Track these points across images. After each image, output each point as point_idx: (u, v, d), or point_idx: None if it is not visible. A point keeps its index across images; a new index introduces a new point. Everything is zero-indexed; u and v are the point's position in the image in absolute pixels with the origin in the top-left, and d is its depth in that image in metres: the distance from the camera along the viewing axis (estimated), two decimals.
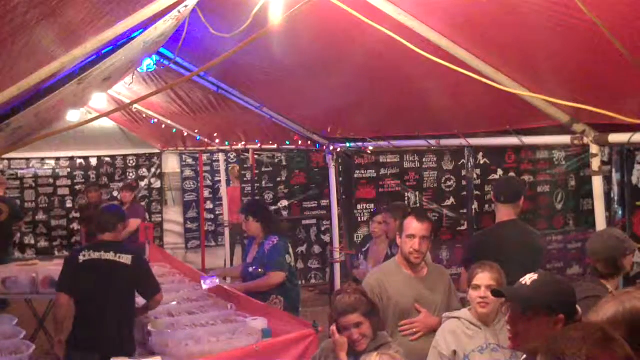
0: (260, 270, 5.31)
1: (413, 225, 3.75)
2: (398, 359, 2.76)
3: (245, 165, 10.39)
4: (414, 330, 3.73)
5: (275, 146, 7.63)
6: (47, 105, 3.59)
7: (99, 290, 4.40)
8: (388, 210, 5.46)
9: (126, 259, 4.44)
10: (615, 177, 6.32)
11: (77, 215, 11.06)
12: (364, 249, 5.81)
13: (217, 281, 5.25)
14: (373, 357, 2.73)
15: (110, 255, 4.44)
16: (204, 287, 5.20)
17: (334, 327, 3.23)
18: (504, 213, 4.42)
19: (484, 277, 3.32)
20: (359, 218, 7.55)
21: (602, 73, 2.77)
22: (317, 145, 6.54)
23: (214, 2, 3.79)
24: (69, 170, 11.68)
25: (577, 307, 2.42)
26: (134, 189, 9.80)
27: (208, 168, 12.17)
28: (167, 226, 12.18)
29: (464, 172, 7.56)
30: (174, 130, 9.39)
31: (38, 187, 11.49)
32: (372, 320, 3.25)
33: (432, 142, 4.76)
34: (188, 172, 12.34)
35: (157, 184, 12.22)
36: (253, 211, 5.51)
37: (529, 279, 2.45)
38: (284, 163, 10.11)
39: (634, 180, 6.15)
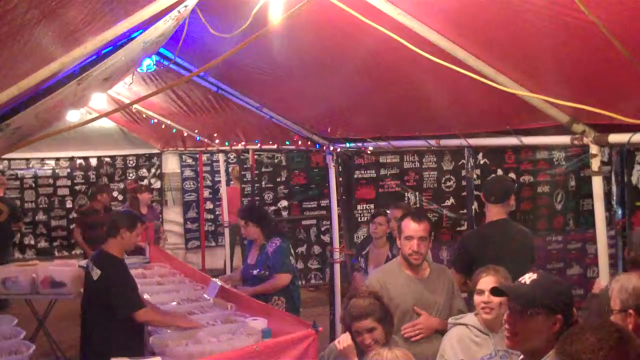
0: (264, 272, 5.31)
1: (410, 227, 3.73)
2: (407, 355, 2.75)
3: (245, 166, 10.38)
4: (416, 332, 3.71)
5: (275, 146, 7.63)
6: (47, 105, 3.58)
7: None
8: (394, 208, 5.47)
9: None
10: (615, 177, 6.33)
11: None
12: (364, 252, 5.79)
13: (219, 283, 5.23)
14: (385, 353, 2.73)
15: None
16: (212, 296, 5.17)
17: (337, 339, 3.19)
18: (494, 212, 4.46)
19: (487, 282, 3.26)
20: (359, 218, 7.53)
21: (602, 73, 2.77)
22: (317, 145, 6.53)
23: (214, 2, 3.79)
24: (68, 170, 11.66)
25: (574, 309, 2.42)
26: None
27: (208, 168, 12.15)
28: (167, 226, 12.15)
29: (464, 172, 7.54)
30: (174, 130, 9.38)
31: (38, 188, 11.47)
32: (385, 326, 3.23)
33: (432, 142, 4.75)
34: (188, 172, 12.33)
35: (157, 184, 12.21)
36: (252, 216, 5.50)
37: (528, 278, 2.44)
38: (284, 163, 10.11)
39: (634, 180, 6.16)
